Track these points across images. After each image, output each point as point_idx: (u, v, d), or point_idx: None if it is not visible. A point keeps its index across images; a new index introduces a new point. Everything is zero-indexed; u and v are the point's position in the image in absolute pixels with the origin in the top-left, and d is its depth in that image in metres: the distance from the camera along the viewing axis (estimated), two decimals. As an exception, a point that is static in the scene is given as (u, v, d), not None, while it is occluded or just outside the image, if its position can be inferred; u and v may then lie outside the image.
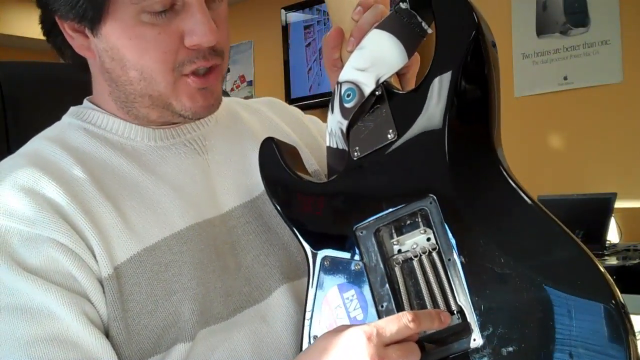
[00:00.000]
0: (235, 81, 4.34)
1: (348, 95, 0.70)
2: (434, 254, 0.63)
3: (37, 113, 0.96)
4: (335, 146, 0.74)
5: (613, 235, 2.45)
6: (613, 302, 0.53)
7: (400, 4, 0.69)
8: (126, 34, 0.73)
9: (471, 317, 0.59)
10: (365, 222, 0.67)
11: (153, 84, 0.75)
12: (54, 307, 0.67)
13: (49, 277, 0.69)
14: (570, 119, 2.82)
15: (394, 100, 0.67)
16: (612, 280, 0.54)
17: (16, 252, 0.69)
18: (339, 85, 0.72)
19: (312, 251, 0.72)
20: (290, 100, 3.80)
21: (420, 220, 0.64)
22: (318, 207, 0.73)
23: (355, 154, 0.69)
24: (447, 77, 0.63)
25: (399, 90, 0.69)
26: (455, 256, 0.61)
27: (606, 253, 2.25)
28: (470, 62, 0.61)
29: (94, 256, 0.71)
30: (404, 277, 0.64)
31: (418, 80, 0.70)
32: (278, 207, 0.75)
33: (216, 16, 0.75)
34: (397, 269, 0.65)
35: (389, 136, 0.66)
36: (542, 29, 2.89)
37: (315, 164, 0.89)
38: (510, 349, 0.56)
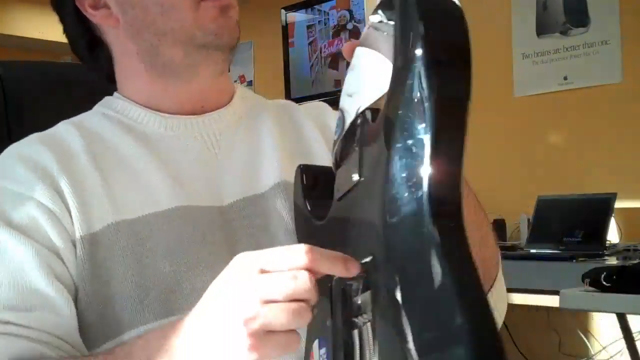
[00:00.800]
0: (235, 81, 4.33)
1: (337, 126, 0.60)
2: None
3: (40, 112, 0.98)
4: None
5: (613, 235, 2.45)
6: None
7: (371, 17, 0.57)
8: None
9: None
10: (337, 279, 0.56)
11: (174, 14, 0.78)
12: (24, 258, 0.73)
13: (27, 232, 0.75)
14: (570, 119, 2.82)
15: (364, 132, 0.55)
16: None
17: (4, 208, 0.76)
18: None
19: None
20: (290, 100, 3.81)
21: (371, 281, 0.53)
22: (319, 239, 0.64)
23: (337, 194, 0.60)
24: (395, 97, 0.48)
25: (376, 113, 0.55)
26: (375, 327, 0.51)
27: (606, 253, 2.25)
28: (413, 79, 0.46)
29: (71, 218, 0.76)
30: (361, 343, 0.54)
31: None
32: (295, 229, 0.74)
33: None
34: (355, 333, 0.54)
35: (353, 177, 0.55)
36: (542, 29, 2.89)
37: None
38: None
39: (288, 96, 3.84)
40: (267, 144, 0.88)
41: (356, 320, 0.54)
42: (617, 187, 2.42)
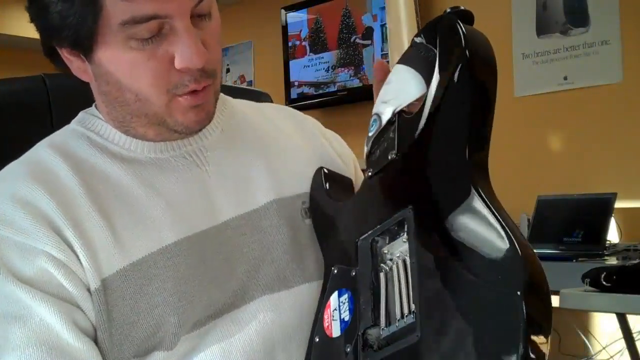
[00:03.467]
0: (235, 81, 4.34)
1: (372, 126, 0.78)
2: (407, 259, 0.66)
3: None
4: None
5: (613, 235, 2.45)
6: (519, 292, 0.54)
7: (415, 38, 0.74)
8: (118, 60, 0.75)
9: (418, 317, 0.62)
10: (365, 234, 0.74)
11: (148, 104, 0.77)
12: (46, 315, 0.71)
13: (42, 287, 0.72)
14: (570, 119, 2.82)
15: (401, 124, 0.74)
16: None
17: (11, 262, 0.72)
18: (371, 118, 0.79)
19: (328, 264, 0.80)
20: (290, 101, 3.80)
21: (405, 229, 0.68)
22: (337, 225, 0.82)
23: (369, 174, 0.77)
24: (437, 101, 0.68)
25: (410, 113, 0.74)
26: (415, 260, 0.64)
27: (606, 253, 2.25)
28: (457, 89, 0.66)
29: (84, 270, 0.74)
30: (387, 282, 0.69)
31: None
32: (314, 224, 0.86)
33: (206, 35, 0.76)
34: (381, 275, 0.70)
35: (389, 157, 0.73)
36: (542, 29, 2.89)
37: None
38: (445, 343, 0.58)
39: (288, 96, 3.84)
40: (254, 155, 0.89)
41: (383, 265, 0.70)
42: (617, 187, 2.42)
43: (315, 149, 0.94)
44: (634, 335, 2.24)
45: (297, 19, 3.83)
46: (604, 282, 1.69)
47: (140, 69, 0.74)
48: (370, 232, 0.73)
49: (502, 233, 0.56)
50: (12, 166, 0.81)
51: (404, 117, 0.73)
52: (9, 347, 0.69)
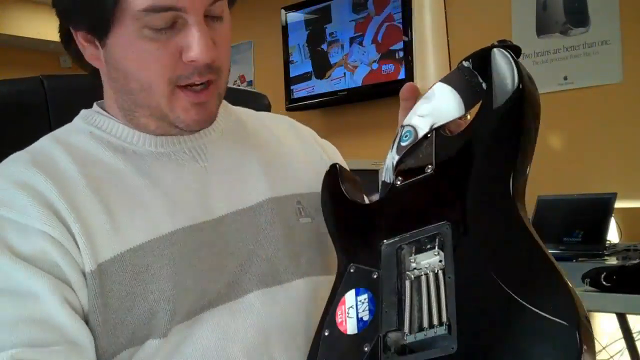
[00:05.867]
0: (235, 81, 4.34)
1: (405, 136, 0.81)
2: (440, 273, 0.69)
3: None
4: (387, 180, 0.82)
5: (613, 235, 2.45)
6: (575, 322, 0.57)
7: (463, 62, 0.77)
8: (129, 47, 0.78)
9: (454, 330, 0.65)
10: (391, 240, 0.76)
11: (151, 94, 0.80)
12: (40, 292, 0.72)
13: (38, 264, 0.74)
14: (570, 119, 2.82)
15: (438, 141, 0.77)
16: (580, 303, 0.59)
17: (9, 240, 0.75)
18: (402, 128, 0.82)
19: (344, 260, 0.81)
20: (290, 101, 3.80)
21: (437, 243, 0.71)
22: (358, 225, 0.83)
23: (398, 182, 0.79)
24: (487, 126, 0.73)
25: (447, 133, 0.78)
26: (453, 276, 0.67)
27: (606, 253, 2.25)
28: (508, 117, 0.71)
29: (80, 252, 0.75)
30: (412, 291, 0.71)
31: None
32: (326, 221, 0.87)
33: (217, 35, 0.80)
34: (407, 283, 0.72)
35: (427, 170, 0.76)
36: (542, 29, 2.89)
37: (315, 187, 0.92)
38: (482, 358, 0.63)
39: (288, 96, 3.83)
40: (251, 157, 0.91)
41: (409, 273, 0.72)
42: (617, 187, 2.42)
43: (310, 154, 0.99)
44: (634, 335, 2.24)
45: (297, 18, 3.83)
46: (604, 282, 1.69)
47: (149, 57, 0.78)
48: (397, 238, 0.75)
49: (550, 267, 0.61)
50: (15, 154, 0.84)
51: (442, 135, 0.77)
52: (1, 322, 0.70)
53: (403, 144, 0.81)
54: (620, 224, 2.51)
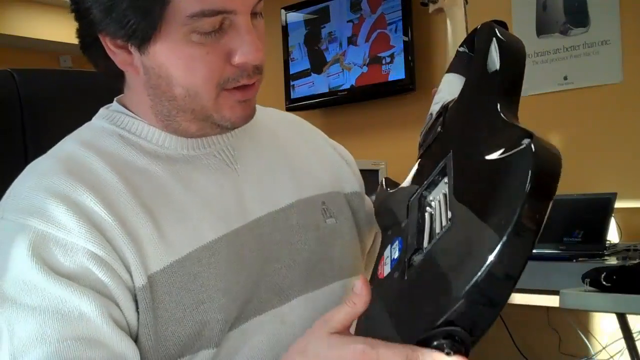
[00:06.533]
0: (235, 81, 4.33)
1: (426, 123, 0.86)
2: (447, 192, 0.71)
3: (55, 120, 1.00)
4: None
5: (613, 235, 2.45)
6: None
7: (459, 48, 0.82)
8: (175, 54, 0.75)
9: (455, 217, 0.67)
10: (415, 194, 0.77)
11: (197, 99, 0.77)
12: (84, 308, 0.70)
13: (81, 282, 0.71)
14: (570, 119, 2.82)
15: (446, 113, 0.82)
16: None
17: (51, 257, 0.71)
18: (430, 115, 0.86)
19: (386, 234, 0.82)
20: (290, 101, 3.80)
21: (445, 173, 0.73)
22: (397, 209, 0.84)
23: (421, 150, 0.85)
24: (475, 72, 0.77)
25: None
26: (452, 182, 0.69)
27: (606, 253, 2.25)
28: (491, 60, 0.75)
29: (128, 267, 0.73)
30: (431, 219, 0.72)
31: None
32: (380, 227, 0.88)
33: (258, 33, 0.78)
34: (427, 215, 0.73)
35: (438, 130, 0.80)
36: (542, 29, 2.89)
37: (329, 187, 0.93)
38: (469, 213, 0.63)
39: (288, 96, 3.83)
40: (276, 158, 0.91)
41: (428, 208, 0.74)
42: (617, 187, 2.42)
43: (326, 155, 0.99)
44: (634, 335, 2.24)
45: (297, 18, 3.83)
46: (604, 282, 1.69)
47: (197, 62, 0.75)
48: (418, 189, 0.76)
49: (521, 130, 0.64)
50: (43, 161, 0.80)
51: (449, 107, 0.81)
52: (46, 341, 0.68)
53: (423, 130, 0.86)
54: (620, 224, 2.50)
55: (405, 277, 0.66)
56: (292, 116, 1.06)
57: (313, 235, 0.87)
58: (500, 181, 0.60)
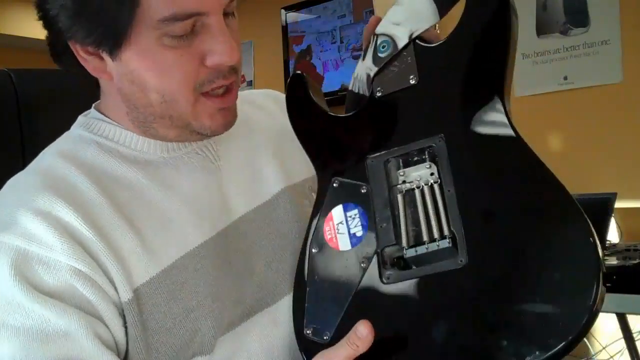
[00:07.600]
0: (235, 81, 4.34)
1: (383, 47, 0.78)
2: (435, 187, 0.69)
3: (53, 121, 0.98)
4: (356, 90, 0.80)
5: (613, 235, 2.45)
6: (590, 239, 0.63)
7: None
8: (147, 58, 0.72)
9: (461, 243, 0.65)
10: (377, 153, 0.74)
11: (174, 105, 0.74)
12: (69, 328, 0.68)
13: (65, 300, 0.69)
14: (570, 119, 2.82)
15: (419, 50, 0.75)
16: (589, 221, 0.64)
17: (34, 275, 0.69)
18: (375, 37, 0.78)
19: (325, 175, 0.78)
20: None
21: (427, 156, 0.71)
22: (337, 137, 0.80)
23: (378, 93, 0.77)
24: (470, 34, 0.71)
25: (426, 42, 0.76)
26: (453, 189, 0.67)
27: (606, 253, 2.25)
28: (493, 25, 0.70)
29: (113, 282, 0.71)
30: (405, 204, 0.71)
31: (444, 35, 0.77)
32: (298, 135, 0.82)
33: (232, 32, 0.75)
34: (399, 197, 0.71)
35: (411, 81, 0.74)
36: (542, 29, 2.89)
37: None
38: (491, 273, 0.63)
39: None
40: (258, 146, 0.88)
41: (399, 186, 0.71)
42: (617, 187, 2.42)
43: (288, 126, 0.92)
44: (634, 335, 2.24)
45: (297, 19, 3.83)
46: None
47: (170, 66, 0.72)
48: (384, 152, 0.74)
49: (553, 180, 0.65)
50: (22, 177, 0.77)
51: (421, 46, 0.75)
52: None
53: (381, 55, 0.78)
54: (620, 224, 2.50)
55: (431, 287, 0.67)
56: (250, 95, 0.99)
57: (303, 224, 0.83)
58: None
